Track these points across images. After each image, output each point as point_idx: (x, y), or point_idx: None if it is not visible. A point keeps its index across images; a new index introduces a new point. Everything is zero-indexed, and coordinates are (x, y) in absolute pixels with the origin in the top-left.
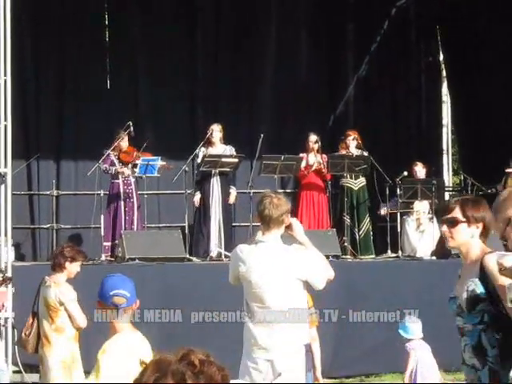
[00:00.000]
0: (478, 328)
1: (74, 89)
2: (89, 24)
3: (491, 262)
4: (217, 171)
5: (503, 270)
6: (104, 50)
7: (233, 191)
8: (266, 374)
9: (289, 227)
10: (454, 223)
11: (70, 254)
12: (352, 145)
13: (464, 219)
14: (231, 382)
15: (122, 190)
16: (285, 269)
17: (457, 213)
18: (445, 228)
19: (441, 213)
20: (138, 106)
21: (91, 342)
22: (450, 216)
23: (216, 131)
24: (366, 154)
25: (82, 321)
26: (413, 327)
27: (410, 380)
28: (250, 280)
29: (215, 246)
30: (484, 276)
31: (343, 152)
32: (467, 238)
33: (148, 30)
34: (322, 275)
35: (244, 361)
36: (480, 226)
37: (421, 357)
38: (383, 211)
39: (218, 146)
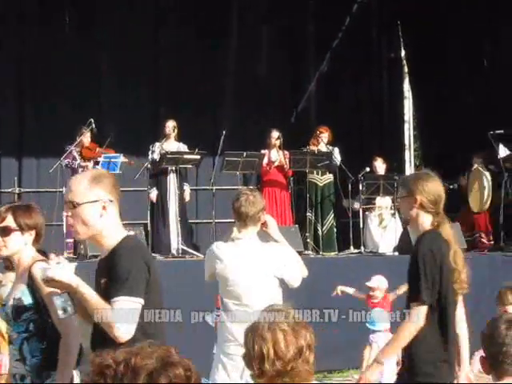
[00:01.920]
0: (22, 336)
1: (35, 85)
2: (51, 20)
3: (38, 271)
4: (173, 168)
5: (45, 283)
6: (66, 47)
7: (186, 188)
8: (243, 371)
9: (264, 224)
10: (6, 232)
11: None
12: (323, 141)
13: (17, 227)
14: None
15: None
16: (262, 266)
17: (9, 221)
18: None
19: None
20: (100, 104)
21: None
22: (1, 225)
23: (175, 127)
24: (335, 150)
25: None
26: (378, 318)
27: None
28: (226, 277)
29: (175, 242)
30: (32, 284)
31: (313, 148)
32: (21, 246)
33: (111, 28)
34: (297, 273)
35: (218, 357)
36: (33, 233)
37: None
38: (356, 205)
39: (172, 142)
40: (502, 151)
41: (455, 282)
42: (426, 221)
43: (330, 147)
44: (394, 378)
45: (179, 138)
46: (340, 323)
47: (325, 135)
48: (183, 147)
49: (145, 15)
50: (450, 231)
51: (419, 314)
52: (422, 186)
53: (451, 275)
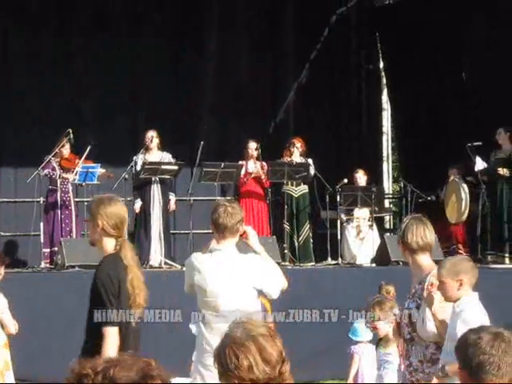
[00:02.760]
0: None
1: (11, 96)
2: (31, 29)
3: None
4: (157, 178)
5: None
6: (44, 56)
7: (172, 198)
8: None
9: (244, 235)
10: None
11: None
12: (296, 152)
13: None
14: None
15: (59, 198)
16: (241, 277)
17: None
18: None
19: None
20: (78, 113)
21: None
22: None
23: (154, 137)
24: (310, 161)
25: (14, 328)
26: (361, 329)
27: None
28: (204, 289)
29: (156, 253)
30: None
31: (287, 159)
32: None
33: (89, 36)
34: (276, 284)
35: (196, 367)
36: None
37: (364, 362)
38: (323, 214)
39: (155, 152)
40: (479, 164)
41: (134, 305)
42: (108, 244)
43: (304, 158)
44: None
45: (162, 148)
46: (315, 330)
47: (298, 146)
48: (167, 156)
49: (123, 25)
50: (131, 255)
51: (112, 335)
52: (104, 210)
53: (129, 299)
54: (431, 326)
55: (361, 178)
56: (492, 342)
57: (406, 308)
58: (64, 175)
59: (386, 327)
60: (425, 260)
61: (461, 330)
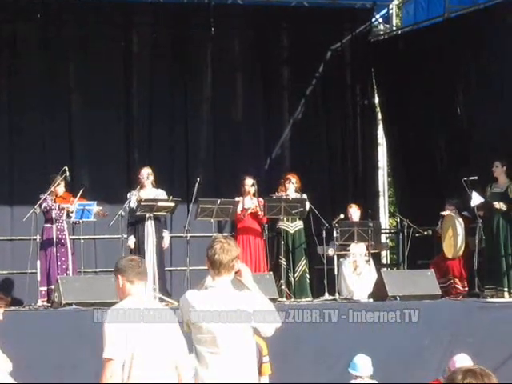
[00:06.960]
0: None
1: (8, 134)
2: (23, 67)
3: None
4: (151, 215)
5: None
6: (39, 95)
7: (166, 235)
8: None
9: (238, 273)
10: None
11: None
12: (291, 188)
13: None
14: None
15: (54, 236)
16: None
17: None
18: None
19: None
20: (73, 151)
21: None
22: None
23: (149, 175)
24: (304, 197)
25: (8, 368)
26: (361, 364)
27: None
28: (200, 325)
29: (151, 290)
30: None
31: (282, 194)
32: None
33: (83, 74)
34: (271, 322)
35: None
36: None
37: None
38: (330, 251)
39: (149, 189)
40: (476, 199)
41: None
42: None
43: (299, 194)
44: None
45: (157, 185)
46: (314, 370)
47: (294, 182)
48: (162, 193)
49: (116, 58)
50: None
51: None
52: None
53: None
54: None
55: (354, 212)
56: (462, 381)
57: None
58: (63, 205)
59: None
60: None
61: None
